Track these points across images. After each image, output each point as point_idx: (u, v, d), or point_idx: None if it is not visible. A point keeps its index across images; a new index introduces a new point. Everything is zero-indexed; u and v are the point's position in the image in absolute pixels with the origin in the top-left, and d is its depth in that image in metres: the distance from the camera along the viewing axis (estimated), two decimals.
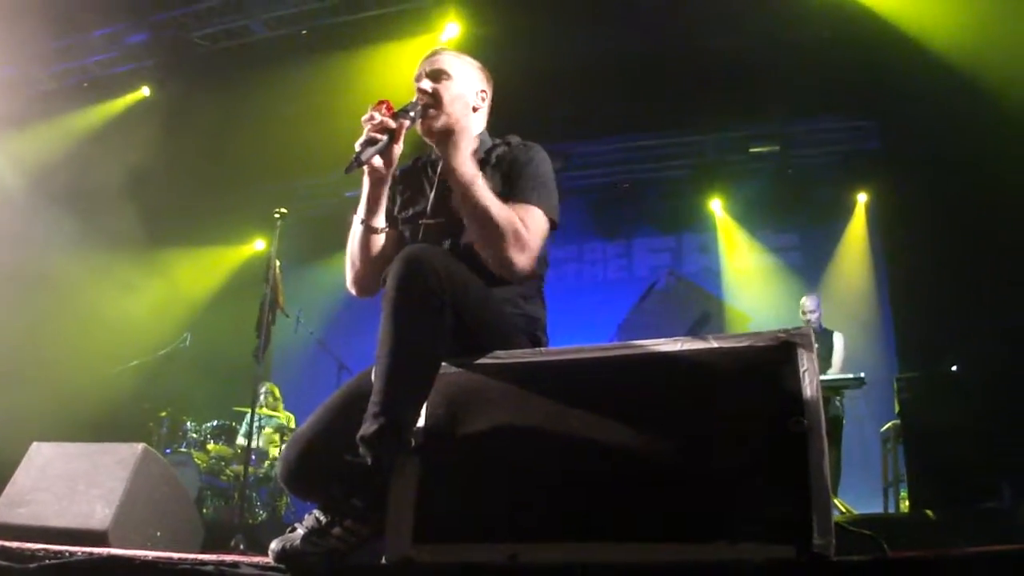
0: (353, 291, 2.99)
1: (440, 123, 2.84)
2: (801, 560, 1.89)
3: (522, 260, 2.69)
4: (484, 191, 2.67)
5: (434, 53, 3.05)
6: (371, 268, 2.93)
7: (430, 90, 2.91)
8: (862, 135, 10.73)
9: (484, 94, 3.13)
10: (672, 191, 11.70)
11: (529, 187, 2.83)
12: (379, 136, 2.68)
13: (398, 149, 2.77)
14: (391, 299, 2.33)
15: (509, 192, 2.83)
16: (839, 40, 8.37)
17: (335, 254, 12.02)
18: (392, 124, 2.70)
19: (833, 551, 1.89)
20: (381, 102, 2.74)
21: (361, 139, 2.69)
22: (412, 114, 2.80)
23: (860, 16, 8.15)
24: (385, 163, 2.79)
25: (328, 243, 12.11)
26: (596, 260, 12.31)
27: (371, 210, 2.86)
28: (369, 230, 2.87)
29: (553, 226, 2.84)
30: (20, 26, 8.49)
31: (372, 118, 2.71)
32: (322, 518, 2.39)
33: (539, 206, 2.80)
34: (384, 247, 2.93)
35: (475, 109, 3.07)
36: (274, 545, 2.39)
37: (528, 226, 2.72)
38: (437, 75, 2.97)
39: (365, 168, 2.76)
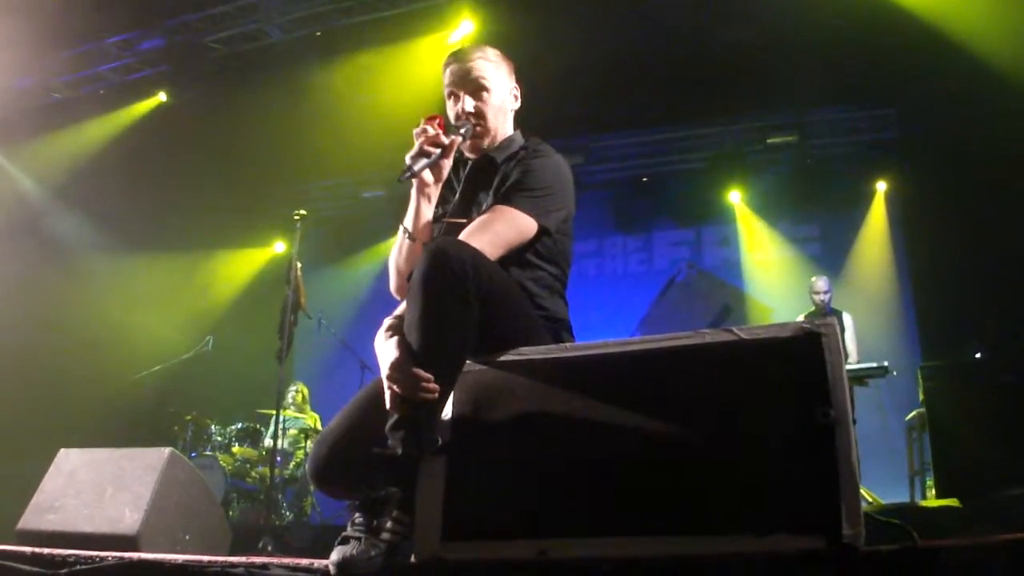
0: (397, 298, 2.92)
1: (486, 141, 2.99)
2: (831, 551, 1.89)
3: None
4: None
5: (466, 59, 2.99)
6: None
7: (474, 111, 2.96)
8: (880, 124, 10.69)
9: (516, 90, 3.14)
10: (691, 184, 11.63)
11: (512, 194, 2.80)
12: (431, 149, 2.74)
13: (448, 163, 2.84)
14: (418, 290, 2.31)
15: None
16: (856, 28, 8.31)
17: (355, 254, 12.23)
18: (445, 140, 2.76)
19: (863, 541, 1.89)
20: (433, 117, 2.80)
21: (413, 151, 2.73)
22: (463, 132, 2.89)
23: (876, 3, 8.10)
24: (435, 177, 2.84)
25: (348, 244, 12.24)
26: (616, 254, 12.25)
27: (417, 221, 2.86)
28: (413, 240, 2.86)
29: (543, 231, 2.80)
30: (34, 35, 8.54)
31: (425, 131, 2.75)
32: (373, 517, 2.31)
33: (518, 208, 2.76)
34: None
35: (514, 111, 3.13)
36: (334, 557, 2.28)
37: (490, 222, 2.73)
38: (477, 91, 2.98)
39: (414, 180, 2.80)
